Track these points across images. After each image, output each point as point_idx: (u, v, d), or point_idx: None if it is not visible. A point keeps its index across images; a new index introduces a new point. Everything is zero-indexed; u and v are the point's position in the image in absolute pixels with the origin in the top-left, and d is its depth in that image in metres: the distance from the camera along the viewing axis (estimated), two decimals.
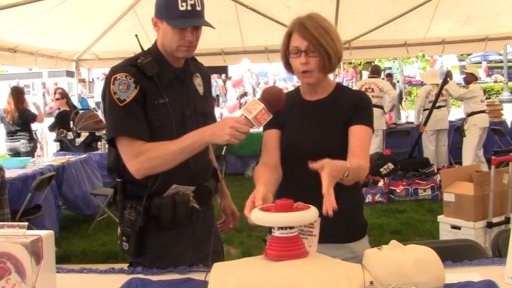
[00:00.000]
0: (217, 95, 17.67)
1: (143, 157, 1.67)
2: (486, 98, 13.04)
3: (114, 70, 1.74)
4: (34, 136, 6.86)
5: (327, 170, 1.37)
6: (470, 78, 7.16)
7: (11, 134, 6.62)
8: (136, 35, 1.93)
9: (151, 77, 1.74)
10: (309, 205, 1.34)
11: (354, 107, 1.73)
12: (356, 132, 1.70)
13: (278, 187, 1.67)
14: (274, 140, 1.79)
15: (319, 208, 1.34)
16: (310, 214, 1.30)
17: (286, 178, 1.73)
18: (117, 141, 1.72)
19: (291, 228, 1.30)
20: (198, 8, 1.71)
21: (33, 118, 6.71)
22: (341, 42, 1.73)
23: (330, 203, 1.31)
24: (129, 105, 1.69)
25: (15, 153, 6.56)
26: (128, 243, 1.78)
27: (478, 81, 7.54)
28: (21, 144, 6.58)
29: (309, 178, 1.70)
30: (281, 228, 1.30)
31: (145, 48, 1.84)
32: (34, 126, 6.97)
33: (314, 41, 1.65)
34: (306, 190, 1.52)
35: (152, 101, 1.73)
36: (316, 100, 1.79)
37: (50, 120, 7.83)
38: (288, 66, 1.77)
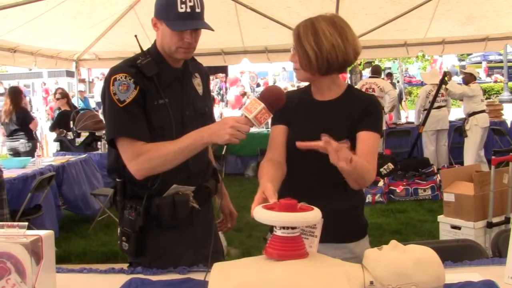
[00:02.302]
0: (222, 95, 17.71)
1: (143, 158, 1.67)
2: (486, 98, 13.05)
3: (114, 71, 1.73)
4: (34, 135, 6.85)
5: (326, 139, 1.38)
6: (469, 78, 7.16)
7: (10, 134, 6.62)
8: (136, 36, 1.93)
9: (150, 78, 1.74)
10: (313, 207, 1.34)
11: (363, 111, 1.71)
12: (364, 139, 1.68)
13: (282, 183, 1.67)
14: (281, 136, 1.78)
15: (321, 206, 1.34)
16: (313, 215, 1.30)
17: (290, 174, 1.73)
18: (117, 142, 1.72)
19: (293, 228, 1.30)
20: (198, 10, 1.70)
21: (30, 120, 6.69)
22: (339, 48, 1.66)
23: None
24: (129, 105, 1.69)
25: (15, 153, 6.56)
26: (128, 243, 1.78)
27: (478, 81, 7.55)
28: (20, 144, 6.57)
29: (312, 176, 1.71)
30: (284, 227, 1.30)
31: (145, 49, 1.84)
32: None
33: (297, 39, 1.69)
34: (308, 188, 1.53)
35: (152, 101, 1.74)
36: (326, 101, 1.78)
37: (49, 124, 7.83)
38: None
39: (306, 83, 1.84)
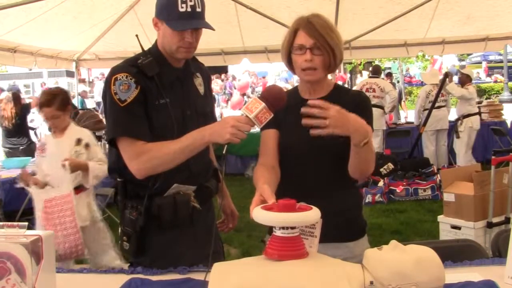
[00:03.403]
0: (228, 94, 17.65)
1: (144, 157, 1.68)
2: (486, 98, 13.04)
3: (115, 71, 1.74)
4: (34, 135, 6.86)
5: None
6: (465, 80, 7.19)
7: (9, 136, 6.63)
8: (137, 35, 1.93)
9: (151, 77, 1.74)
10: (312, 206, 1.34)
11: (355, 108, 1.71)
12: None
13: (277, 185, 1.67)
14: (272, 140, 1.78)
15: (319, 207, 1.34)
16: (312, 215, 1.30)
17: (285, 176, 1.73)
18: (118, 141, 1.72)
19: (292, 228, 1.30)
20: (198, 10, 1.70)
21: (28, 107, 6.69)
22: (342, 43, 1.73)
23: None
24: (130, 105, 1.69)
25: (14, 154, 6.57)
26: (129, 243, 1.78)
27: (478, 81, 7.58)
28: (20, 145, 6.59)
29: (307, 177, 1.71)
30: (283, 228, 1.30)
31: (145, 48, 1.84)
32: (34, 124, 6.95)
33: (321, 39, 1.65)
34: (304, 189, 1.52)
35: (153, 101, 1.74)
36: (316, 99, 1.78)
37: None
38: (290, 63, 1.76)
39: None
